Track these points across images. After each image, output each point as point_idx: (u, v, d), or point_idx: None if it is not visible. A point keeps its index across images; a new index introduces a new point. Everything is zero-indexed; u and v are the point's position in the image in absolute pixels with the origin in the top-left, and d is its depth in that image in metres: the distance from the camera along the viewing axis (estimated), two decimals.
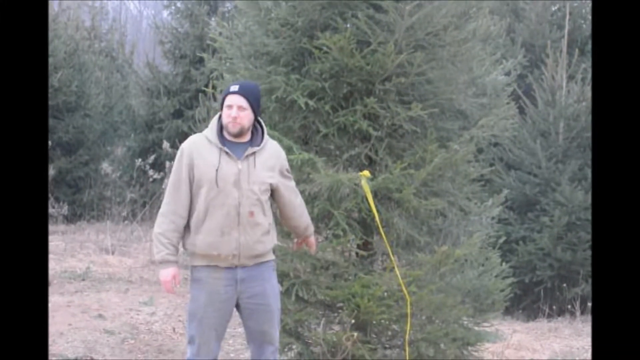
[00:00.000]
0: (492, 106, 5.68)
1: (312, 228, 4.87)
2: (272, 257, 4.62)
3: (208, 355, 4.52)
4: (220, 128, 4.52)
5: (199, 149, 4.47)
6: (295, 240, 4.97)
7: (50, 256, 9.76)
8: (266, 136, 4.57)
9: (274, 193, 4.57)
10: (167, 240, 4.43)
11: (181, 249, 4.61)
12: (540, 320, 9.06)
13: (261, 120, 4.63)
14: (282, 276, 5.18)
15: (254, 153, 4.47)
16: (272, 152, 4.57)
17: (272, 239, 4.58)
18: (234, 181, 4.39)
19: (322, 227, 5.43)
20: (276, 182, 4.52)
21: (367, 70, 5.14)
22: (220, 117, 4.54)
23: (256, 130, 4.58)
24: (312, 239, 4.92)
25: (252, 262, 4.48)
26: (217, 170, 4.39)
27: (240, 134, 4.48)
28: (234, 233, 4.39)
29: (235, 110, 4.43)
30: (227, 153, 4.43)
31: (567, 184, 9.37)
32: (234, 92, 4.46)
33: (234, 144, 4.48)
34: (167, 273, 4.47)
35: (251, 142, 4.52)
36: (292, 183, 4.70)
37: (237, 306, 4.56)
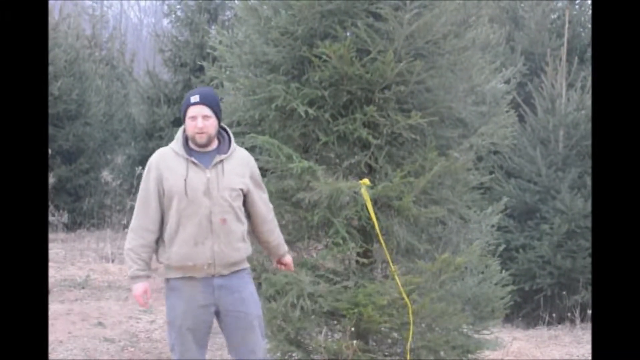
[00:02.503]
0: (492, 114, 5.69)
1: (285, 247, 4.85)
2: (247, 265, 4.60)
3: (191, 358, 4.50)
4: (186, 139, 4.51)
5: (166, 161, 4.45)
6: (273, 259, 4.93)
7: (50, 264, 9.77)
8: (234, 144, 4.56)
9: (245, 200, 4.54)
10: (136, 255, 4.42)
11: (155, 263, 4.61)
12: (540, 327, 9.05)
13: (227, 127, 4.63)
14: (283, 285, 5.18)
15: (222, 160, 4.45)
16: (241, 159, 4.56)
17: (248, 247, 4.57)
18: (203, 190, 4.37)
19: (322, 235, 5.44)
20: (247, 188, 4.50)
21: (366, 79, 5.15)
22: (184, 129, 4.53)
23: (222, 137, 4.57)
24: (288, 259, 4.87)
25: (228, 271, 4.46)
26: (185, 180, 4.37)
27: (208, 144, 4.47)
28: (207, 242, 4.38)
29: (201, 121, 4.41)
30: (194, 163, 4.41)
31: (567, 192, 9.37)
32: (195, 103, 4.44)
33: (201, 153, 4.46)
34: (138, 288, 4.45)
35: (218, 150, 4.50)
36: (265, 195, 4.69)
37: (218, 316, 4.53)
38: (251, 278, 4.64)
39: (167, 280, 4.52)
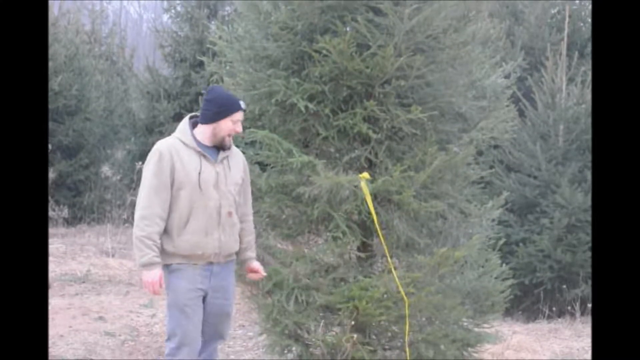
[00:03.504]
0: (492, 109, 5.69)
1: (252, 254, 4.95)
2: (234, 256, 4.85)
3: (193, 343, 4.61)
4: (191, 131, 4.68)
5: (178, 152, 4.59)
6: (240, 262, 4.99)
7: (51, 259, 9.77)
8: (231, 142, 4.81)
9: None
10: (152, 242, 4.49)
11: None
12: (540, 321, 9.06)
13: None
14: (281, 279, 5.20)
15: (226, 156, 4.69)
16: (237, 155, 4.83)
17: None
18: (214, 183, 4.59)
19: (322, 229, 5.44)
20: (242, 183, 4.79)
21: (366, 74, 5.15)
22: (191, 117, 4.74)
23: None
24: (255, 264, 4.95)
25: (225, 260, 4.71)
26: (199, 173, 4.54)
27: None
28: (215, 233, 4.59)
29: (239, 126, 4.69)
30: (204, 156, 4.60)
31: (567, 186, 9.37)
32: (243, 110, 4.71)
33: (207, 147, 4.65)
34: (153, 275, 4.50)
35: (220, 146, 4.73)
36: (250, 195, 4.93)
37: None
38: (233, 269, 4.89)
39: (168, 267, 4.61)
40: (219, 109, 4.63)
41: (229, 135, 4.65)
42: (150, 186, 4.53)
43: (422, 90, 5.40)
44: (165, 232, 4.56)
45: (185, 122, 4.70)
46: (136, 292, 8.75)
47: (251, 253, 4.93)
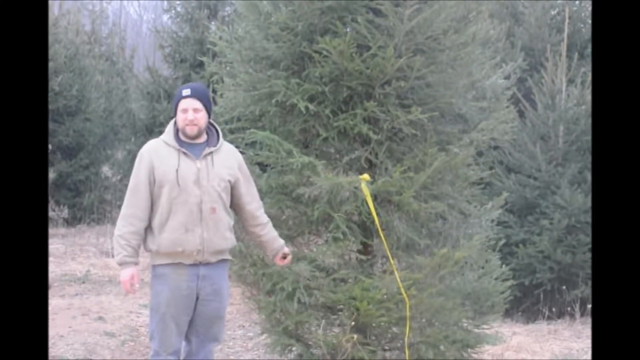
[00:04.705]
0: (492, 110, 5.70)
1: (281, 241, 4.96)
2: (229, 256, 4.82)
3: (169, 348, 4.67)
4: (177, 131, 4.69)
5: (157, 152, 4.64)
6: (272, 256, 5.00)
7: (51, 259, 9.79)
8: (222, 138, 4.78)
9: (233, 194, 4.73)
10: (125, 242, 4.59)
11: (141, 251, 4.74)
12: (540, 322, 9.06)
13: (214, 123, 4.83)
14: (282, 279, 5.20)
15: (211, 152, 4.66)
16: (228, 152, 4.78)
17: (234, 239, 4.76)
18: (194, 180, 4.56)
19: (322, 230, 5.45)
20: (234, 179, 4.70)
21: (367, 74, 5.16)
22: (175, 122, 4.72)
23: (211, 131, 4.77)
24: (287, 250, 4.99)
25: (215, 259, 4.65)
26: (176, 170, 4.55)
27: (197, 136, 4.66)
28: (197, 229, 4.56)
29: (191, 113, 4.62)
30: (184, 153, 4.61)
31: (567, 187, 9.37)
32: (187, 96, 4.65)
33: (191, 145, 4.66)
34: (126, 274, 4.61)
35: (208, 143, 4.71)
36: (254, 190, 4.88)
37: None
38: (227, 270, 4.86)
39: (154, 267, 4.68)
40: (173, 103, 4.73)
41: (188, 125, 4.61)
42: (130, 188, 4.65)
43: (422, 91, 5.40)
44: (150, 230, 4.63)
45: (171, 123, 4.75)
46: (136, 293, 8.74)
47: (276, 245, 4.91)
